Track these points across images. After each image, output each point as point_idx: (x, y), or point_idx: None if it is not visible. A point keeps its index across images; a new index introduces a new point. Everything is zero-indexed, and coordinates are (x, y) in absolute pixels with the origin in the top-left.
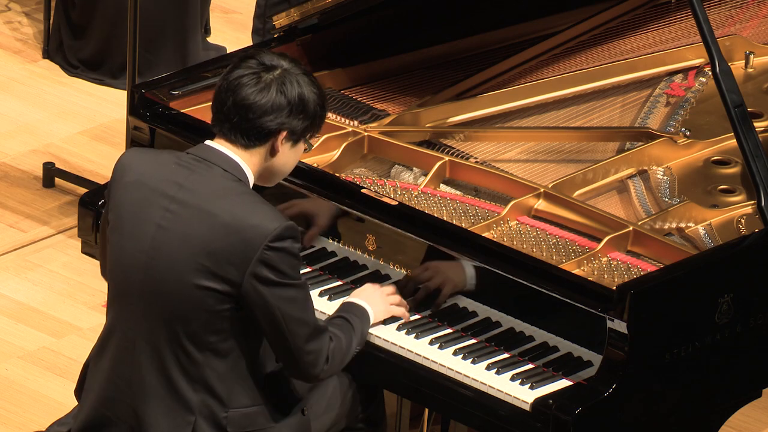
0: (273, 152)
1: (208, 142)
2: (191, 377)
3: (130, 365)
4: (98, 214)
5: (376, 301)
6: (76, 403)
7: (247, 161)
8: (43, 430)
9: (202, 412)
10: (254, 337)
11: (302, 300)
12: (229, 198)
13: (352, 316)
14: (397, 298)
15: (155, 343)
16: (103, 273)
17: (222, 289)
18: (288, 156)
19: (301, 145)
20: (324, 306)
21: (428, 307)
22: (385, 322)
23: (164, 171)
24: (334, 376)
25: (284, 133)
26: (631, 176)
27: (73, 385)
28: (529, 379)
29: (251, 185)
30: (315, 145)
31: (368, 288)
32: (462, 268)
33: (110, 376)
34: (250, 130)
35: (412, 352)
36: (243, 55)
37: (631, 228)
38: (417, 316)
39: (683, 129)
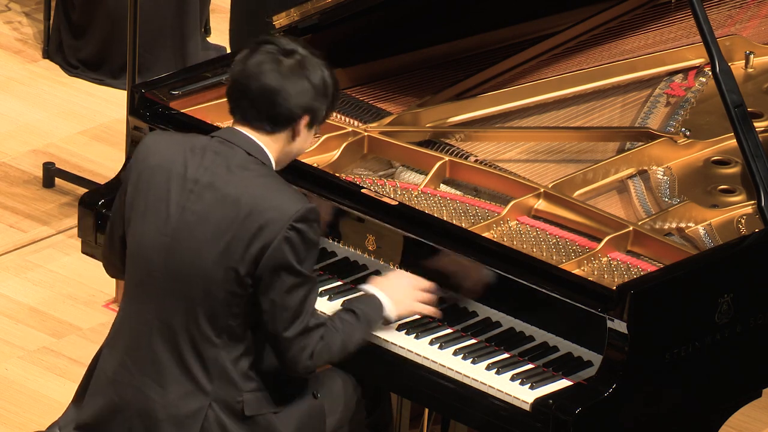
0: (294, 136)
1: (234, 126)
2: (206, 361)
3: (146, 350)
4: (98, 214)
5: (399, 293)
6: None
7: (269, 146)
8: (43, 430)
9: (217, 396)
10: None
11: (304, 294)
12: (253, 180)
13: (363, 310)
14: (427, 294)
15: (172, 326)
16: (110, 248)
17: (244, 271)
18: (305, 139)
19: (314, 129)
20: (324, 306)
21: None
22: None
23: (189, 154)
24: (339, 379)
25: (307, 117)
26: (631, 176)
27: (73, 385)
28: (529, 379)
29: (274, 170)
30: (315, 145)
31: (395, 276)
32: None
33: (123, 361)
34: (278, 116)
35: (412, 352)
36: (258, 41)
37: (631, 228)
38: (416, 316)
39: (683, 129)
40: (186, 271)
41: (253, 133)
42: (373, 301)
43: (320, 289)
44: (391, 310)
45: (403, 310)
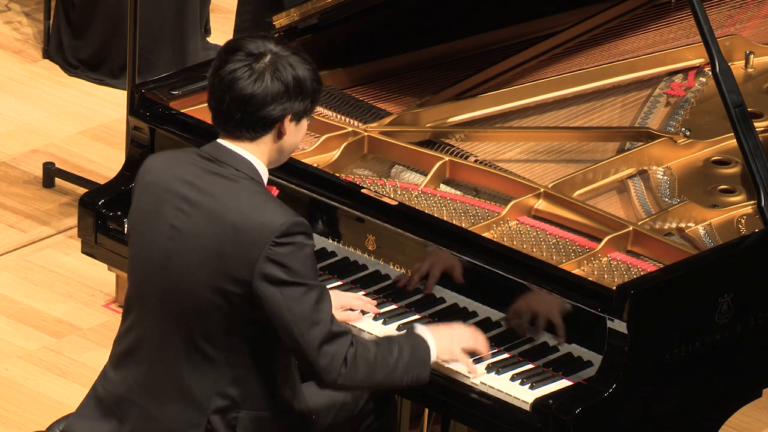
0: (280, 136)
1: (219, 140)
2: (206, 378)
3: (145, 365)
4: (98, 214)
5: (443, 336)
6: (77, 403)
7: (256, 153)
8: (43, 430)
9: (217, 412)
10: (270, 340)
11: (314, 300)
12: (239, 197)
13: (401, 338)
14: (470, 340)
15: (171, 343)
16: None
17: (235, 291)
18: (295, 135)
19: (305, 121)
20: None
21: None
22: (385, 321)
23: (178, 170)
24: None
25: (288, 116)
26: (631, 176)
27: (73, 385)
28: (529, 379)
29: (266, 179)
30: (316, 145)
31: (444, 325)
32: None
33: (125, 377)
34: (255, 123)
35: None
36: (228, 47)
37: (631, 228)
38: (417, 316)
39: (683, 129)
40: (179, 290)
41: (236, 143)
42: (417, 337)
43: None
44: (434, 347)
45: (446, 355)
